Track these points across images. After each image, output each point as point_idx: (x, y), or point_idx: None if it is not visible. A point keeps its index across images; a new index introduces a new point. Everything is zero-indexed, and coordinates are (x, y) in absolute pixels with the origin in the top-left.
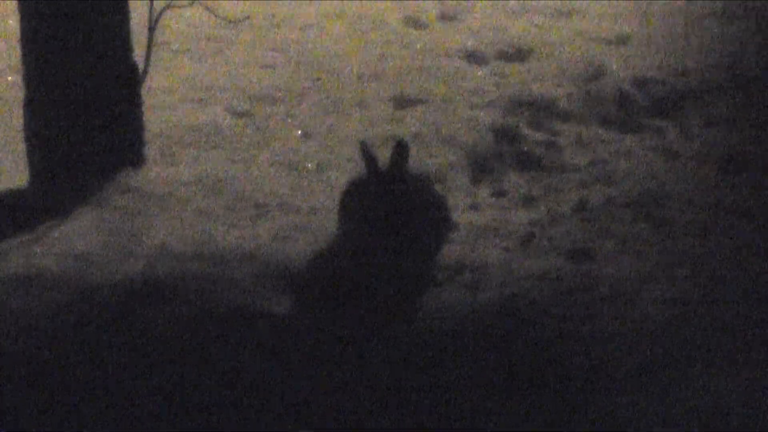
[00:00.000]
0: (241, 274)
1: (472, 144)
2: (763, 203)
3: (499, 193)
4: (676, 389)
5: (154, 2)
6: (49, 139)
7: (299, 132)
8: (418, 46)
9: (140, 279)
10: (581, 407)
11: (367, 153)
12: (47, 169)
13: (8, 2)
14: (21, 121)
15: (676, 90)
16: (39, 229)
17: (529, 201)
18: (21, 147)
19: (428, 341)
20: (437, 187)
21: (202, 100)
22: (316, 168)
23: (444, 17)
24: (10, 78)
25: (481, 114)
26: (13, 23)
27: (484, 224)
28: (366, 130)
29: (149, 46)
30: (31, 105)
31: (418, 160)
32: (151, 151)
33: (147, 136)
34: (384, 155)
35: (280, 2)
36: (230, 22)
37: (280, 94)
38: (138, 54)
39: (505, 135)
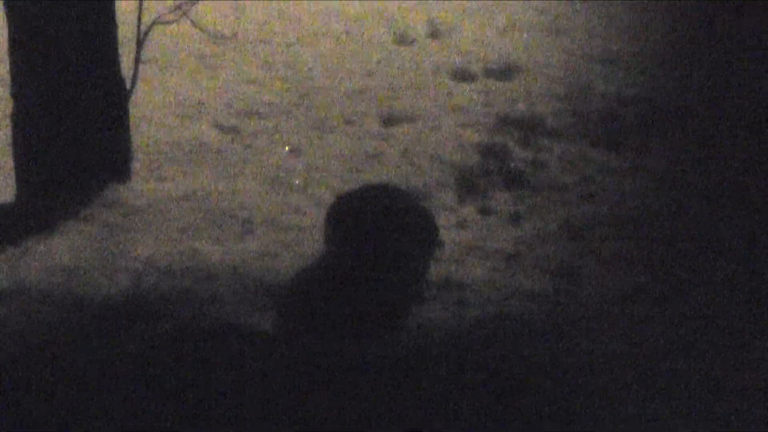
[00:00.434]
0: (228, 290)
1: (460, 162)
2: (748, 223)
3: (486, 211)
4: (661, 407)
5: (142, 18)
6: (36, 153)
7: (286, 148)
8: (406, 64)
9: (126, 294)
10: (564, 424)
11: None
12: (34, 183)
13: None
14: (8, 135)
15: (663, 109)
16: (25, 243)
17: (515, 219)
18: (8, 161)
19: (413, 358)
20: (424, 205)
21: (189, 115)
22: (303, 184)
23: (432, 35)
24: None
25: (469, 131)
26: (0, 38)
27: (470, 242)
28: (353, 146)
29: (137, 62)
30: (18, 119)
31: (405, 177)
32: (137, 166)
33: (134, 151)
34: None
35: (268, 19)
36: (218, 38)
37: (267, 111)
38: (125, 69)
39: (492, 153)
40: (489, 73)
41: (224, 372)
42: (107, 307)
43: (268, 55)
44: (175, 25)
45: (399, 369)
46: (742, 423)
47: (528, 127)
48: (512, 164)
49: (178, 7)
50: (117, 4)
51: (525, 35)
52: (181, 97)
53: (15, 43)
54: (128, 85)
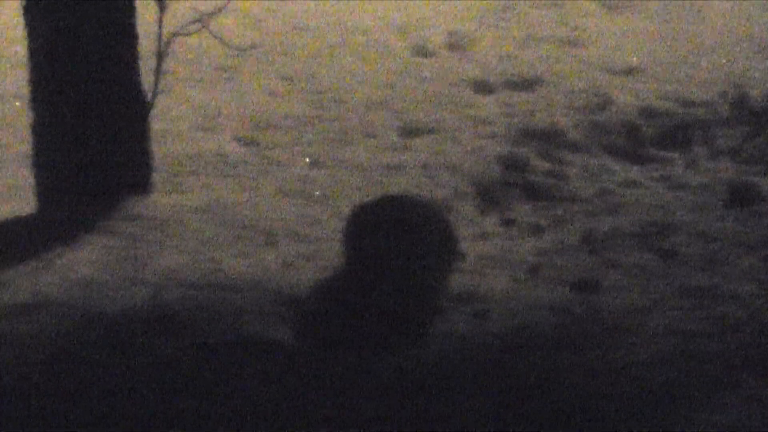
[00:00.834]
0: (249, 303)
1: (480, 173)
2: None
3: (507, 223)
4: (683, 421)
5: (162, 30)
6: (56, 165)
7: (306, 160)
8: (426, 75)
9: (147, 306)
10: None
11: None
12: (54, 195)
13: (15, 29)
14: (28, 147)
15: (683, 121)
16: (45, 255)
17: (536, 231)
18: (28, 173)
19: (436, 370)
20: (444, 216)
21: (209, 127)
22: (324, 196)
23: (451, 46)
24: (17, 103)
25: (489, 143)
26: (21, 49)
27: (491, 253)
28: (373, 158)
29: (157, 74)
30: (38, 131)
31: (425, 189)
32: (158, 178)
33: (154, 163)
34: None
35: (287, 32)
36: (238, 50)
37: (287, 123)
38: (146, 81)
39: (512, 165)
40: (509, 84)
41: (247, 384)
42: (128, 320)
43: (288, 67)
44: (195, 37)
45: (419, 380)
46: None
47: (548, 139)
48: (533, 176)
49: (198, 20)
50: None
51: (545, 47)
52: (201, 109)
53: (35, 56)
54: (149, 98)
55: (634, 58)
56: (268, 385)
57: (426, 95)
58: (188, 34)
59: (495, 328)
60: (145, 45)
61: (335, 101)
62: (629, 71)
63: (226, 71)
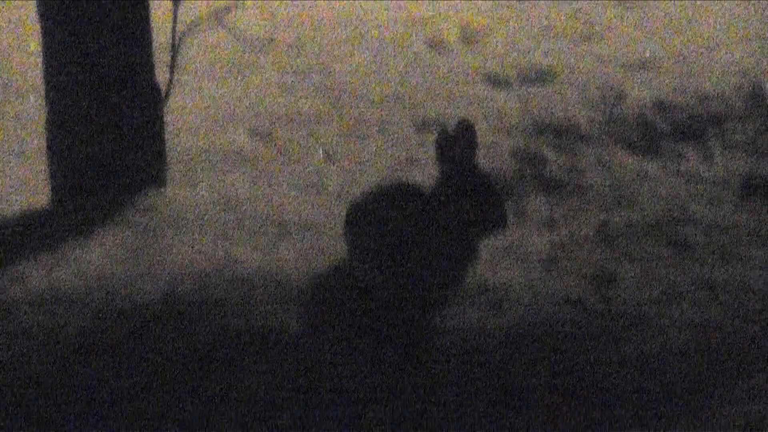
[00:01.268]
0: (264, 296)
1: (495, 167)
2: None
3: (522, 216)
4: (700, 414)
5: (177, 25)
6: (71, 158)
7: (321, 154)
8: (440, 70)
9: (161, 300)
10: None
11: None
12: (69, 189)
13: (30, 24)
14: (43, 141)
15: (697, 114)
16: (60, 249)
17: (551, 223)
18: (43, 167)
19: (452, 360)
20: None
21: (223, 122)
22: (338, 190)
23: (466, 40)
24: (32, 98)
25: (503, 137)
26: (35, 45)
27: (506, 246)
28: (388, 152)
29: (172, 68)
30: (53, 125)
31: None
32: (172, 172)
33: (168, 157)
34: (406, 177)
35: (302, 26)
36: (253, 45)
37: (301, 117)
38: (160, 76)
39: (527, 158)
40: (523, 78)
41: (262, 377)
42: (143, 314)
43: (302, 62)
44: (209, 31)
45: (437, 370)
46: None
47: (563, 133)
48: (548, 169)
49: (213, 14)
50: (151, 10)
51: (559, 40)
52: (215, 104)
53: (49, 50)
54: (163, 92)
55: (648, 52)
56: (282, 378)
57: (441, 89)
58: (203, 30)
59: (512, 320)
60: (160, 40)
61: (350, 96)
62: (643, 65)
63: (240, 66)
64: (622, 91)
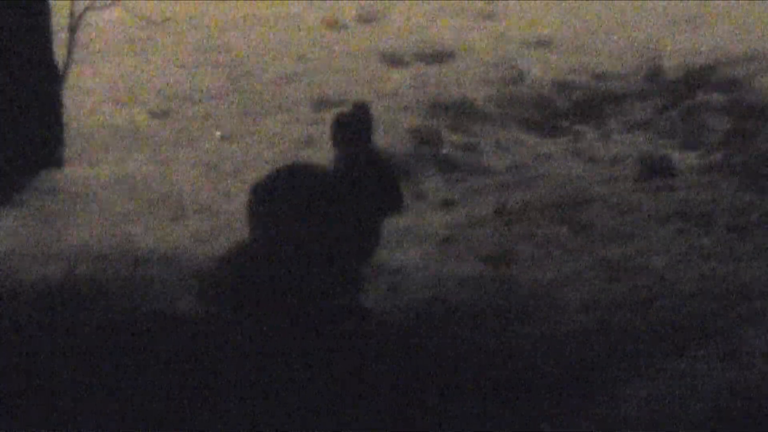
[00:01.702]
0: (161, 276)
1: (392, 146)
2: (680, 207)
3: (419, 196)
4: (599, 395)
5: (75, 2)
6: None
7: (218, 133)
8: (337, 48)
9: (60, 281)
10: (500, 414)
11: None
12: None
13: None
14: None
15: (596, 94)
16: None
17: (448, 204)
18: None
19: (346, 343)
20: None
21: (121, 100)
22: (236, 170)
23: (363, 19)
24: None
25: (401, 116)
26: None
27: (403, 227)
28: (285, 131)
29: (70, 47)
30: None
31: None
32: (70, 151)
33: (67, 136)
34: (303, 156)
35: (200, 3)
36: (151, 23)
37: (199, 96)
38: (58, 54)
39: (424, 137)
40: (420, 57)
41: (160, 358)
42: (41, 294)
43: (201, 40)
44: (107, 10)
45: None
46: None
47: (460, 112)
48: (444, 149)
49: None
50: None
51: (457, 20)
52: (113, 82)
53: None
54: (61, 71)
55: (548, 31)
56: (180, 359)
57: (338, 68)
58: (101, 7)
59: (407, 302)
60: (57, 19)
61: (247, 74)
62: (543, 44)
63: (138, 44)
64: (520, 70)
